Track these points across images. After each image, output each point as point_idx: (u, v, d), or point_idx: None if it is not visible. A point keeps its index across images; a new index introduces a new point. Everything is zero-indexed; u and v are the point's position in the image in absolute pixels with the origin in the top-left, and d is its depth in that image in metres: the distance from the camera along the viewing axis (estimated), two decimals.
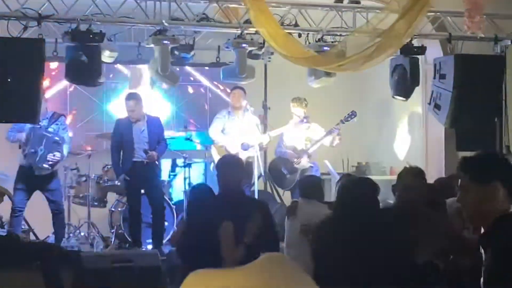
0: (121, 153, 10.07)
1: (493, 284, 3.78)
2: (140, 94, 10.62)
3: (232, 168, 7.16)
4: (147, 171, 9.97)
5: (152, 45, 9.05)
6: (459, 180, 4.28)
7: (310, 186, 8.25)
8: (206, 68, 12.20)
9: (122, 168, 9.89)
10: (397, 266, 5.13)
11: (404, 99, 10.15)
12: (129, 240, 9.96)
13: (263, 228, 6.83)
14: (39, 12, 8.45)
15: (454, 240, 6.09)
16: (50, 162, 9.69)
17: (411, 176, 6.78)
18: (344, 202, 5.86)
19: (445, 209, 6.60)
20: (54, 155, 9.70)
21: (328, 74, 9.68)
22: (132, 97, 10.29)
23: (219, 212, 7.12)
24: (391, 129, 11.76)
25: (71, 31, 8.64)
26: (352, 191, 5.92)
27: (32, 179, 9.74)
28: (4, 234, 9.04)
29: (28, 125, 9.49)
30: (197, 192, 7.76)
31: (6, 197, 9.24)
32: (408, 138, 11.55)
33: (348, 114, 10.82)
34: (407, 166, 7.46)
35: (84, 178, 10.39)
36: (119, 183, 10.16)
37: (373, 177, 11.30)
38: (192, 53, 9.64)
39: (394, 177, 10.00)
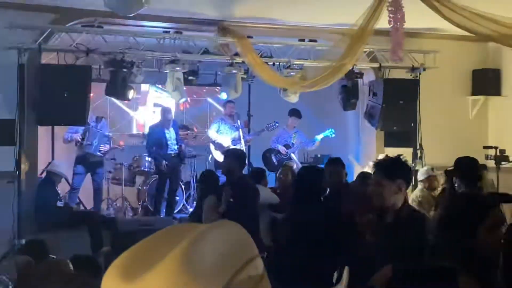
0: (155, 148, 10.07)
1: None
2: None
3: (234, 157, 7.06)
4: (175, 161, 10.03)
5: (168, 71, 9.08)
6: (373, 176, 4.38)
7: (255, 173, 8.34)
8: (206, 87, 12.21)
9: (161, 157, 9.90)
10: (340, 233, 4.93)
11: (351, 110, 10.16)
12: (151, 209, 9.94)
13: (237, 201, 6.60)
14: (87, 47, 8.49)
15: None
16: (102, 151, 9.81)
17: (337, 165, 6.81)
18: (298, 183, 5.85)
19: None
20: (104, 146, 9.85)
21: (294, 92, 9.67)
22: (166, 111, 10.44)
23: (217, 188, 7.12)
24: (337, 133, 11.80)
25: (110, 61, 8.65)
26: (303, 175, 5.92)
27: (87, 165, 9.75)
28: (62, 205, 9.09)
29: (81, 128, 9.52)
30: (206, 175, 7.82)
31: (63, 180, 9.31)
32: (349, 139, 11.55)
33: (271, 123, 10.67)
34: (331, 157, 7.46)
35: (119, 165, 10.37)
36: (153, 169, 10.21)
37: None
38: (197, 76, 9.63)
39: None
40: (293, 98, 9.92)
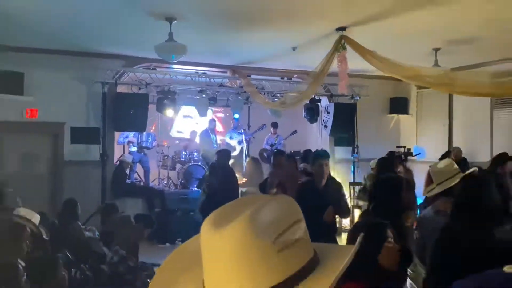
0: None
1: None
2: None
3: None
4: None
5: (197, 97, 9.11)
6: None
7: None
8: (222, 108, 12.17)
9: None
10: None
11: (314, 122, 10.14)
12: (186, 185, 9.74)
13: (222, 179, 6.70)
14: (146, 81, 8.57)
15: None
16: (150, 147, 9.86)
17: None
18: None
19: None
20: (153, 145, 9.90)
21: (278, 111, 9.71)
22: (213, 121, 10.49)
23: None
24: (305, 137, 11.78)
25: (160, 90, 8.71)
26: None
27: (142, 156, 9.81)
28: (129, 182, 9.14)
29: (132, 133, 9.54)
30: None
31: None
32: (313, 140, 11.56)
33: (260, 126, 10.45)
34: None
35: (165, 157, 10.22)
36: (187, 159, 10.01)
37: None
38: (215, 101, 9.61)
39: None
40: (278, 115, 9.95)
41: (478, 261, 1.79)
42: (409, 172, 6.09)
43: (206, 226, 0.85)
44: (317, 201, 4.29)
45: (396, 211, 2.68)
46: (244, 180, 7.58)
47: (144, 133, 9.77)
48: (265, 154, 10.56)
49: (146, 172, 9.87)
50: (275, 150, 7.64)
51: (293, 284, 0.82)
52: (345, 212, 4.78)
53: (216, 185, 6.80)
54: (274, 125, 10.65)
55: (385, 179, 3.21)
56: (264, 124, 10.50)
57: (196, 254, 0.90)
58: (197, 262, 0.89)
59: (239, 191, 7.72)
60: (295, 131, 10.51)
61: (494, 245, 2.21)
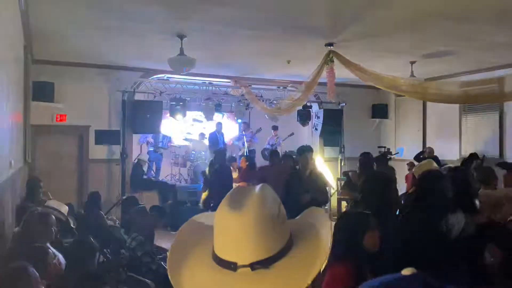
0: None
1: None
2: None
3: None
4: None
5: (204, 104, 9.10)
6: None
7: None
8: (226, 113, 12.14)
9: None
10: None
11: (306, 126, 10.04)
12: (195, 180, 9.71)
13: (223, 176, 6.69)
14: (160, 90, 8.57)
15: None
16: (166, 147, 9.82)
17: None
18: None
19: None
20: (168, 145, 9.90)
21: (275, 116, 9.69)
22: (219, 124, 10.33)
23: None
24: (298, 138, 11.79)
25: (172, 98, 8.65)
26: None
27: (157, 155, 9.79)
28: (146, 178, 9.11)
29: (148, 136, 9.51)
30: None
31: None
32: (305, 141, 11.52)
33: (258, 128, 10.44)
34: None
35: (177, 156, 10.23)
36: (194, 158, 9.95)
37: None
38: (220, 107, 9.57)
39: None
40: (275, 119, 9.91)
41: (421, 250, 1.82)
42: (391, 169, 6.09)
43: (223, 210, 0.92)
44: (302, 187, 4.42)
45: (384, 203, 2.65)
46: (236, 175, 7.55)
47: (161, 134, 9.74)
48: (266, 153, 10.47)
49: (157, 170, 9.85)
50: (272, 150, 7.65)
51: (285, 252, 0.91)
52: (324, 196, 4.85)
53: (214, 180, 6.78)
54: (275, 128, 10.64)
55: (375, 175, 3.25)
56: (260, 128, 10.47)
57: (197, 235, 1.01)
58: (200, 241, 0.98)
59: (233, 185, 7.71)
60: (292, 133, 10.51)
61: (442, 236, 2.22)
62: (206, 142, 10.80)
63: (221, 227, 0.92)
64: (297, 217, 1.07)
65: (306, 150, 4.92)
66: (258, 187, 0.97)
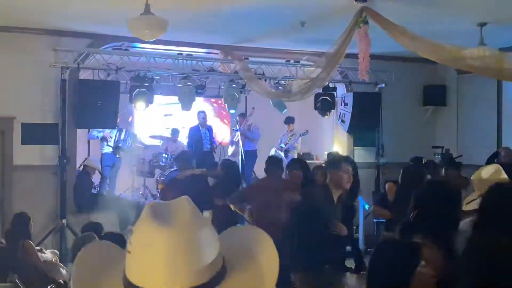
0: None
1: None
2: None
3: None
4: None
5: (181, 85, 9.04)
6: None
7: None
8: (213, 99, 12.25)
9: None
10: None
11: (327, 117, 10.04)
12: None
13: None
14: (117, 65, 8.57)
15: None
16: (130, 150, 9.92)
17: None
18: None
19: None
20: (132, 145, 10.01)
21: (282, 103, 9.70)
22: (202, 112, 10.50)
23: None
24: (317, 135, 11.78)
25: (134, 77, 8.66)
26: None
27: (115, 160, 9.81)
28: (96, 192, 9.14)
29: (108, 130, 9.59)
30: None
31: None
32: (326, 140, 11.60)
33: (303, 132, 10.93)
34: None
35: (142, 161, 10.30)
36: (168, 163, 10.07)
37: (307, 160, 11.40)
38: (204, 89, 9.62)
39: (318, 161, 10.18)
40: (282, 108, 9.90)
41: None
42: (463, 179, 6.02)
43: (149, 224, 1.06)
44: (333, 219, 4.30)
45: (448, 226, 2.68)
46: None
47: (124, 130, 9.78)
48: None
49: (112, 180, 9.91)
50: (271, 157, 7.41)
51: (219, 280, 1.06)
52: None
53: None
54: (290, 121, 10.79)
55: (440, 185, 3.19)
56: (307, 130, 10.70)
57: (101, 261, 1.17)
58: (109, 264, 1.14)
59: None
60: (306, 132, 10.64)
61: None
62: (185, 140, 10.79)
63: (143, 246, 1.02)
64: (224, 234, 1.22)
65: (343, 160, 4.64)
66: (183, 199, 1.13)
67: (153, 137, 11.06)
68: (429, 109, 10.79)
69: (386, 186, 6.41)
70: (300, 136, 10.79)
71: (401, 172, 5.64)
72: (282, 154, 10.67)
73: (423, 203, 2.84)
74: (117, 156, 9.80)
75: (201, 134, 10.28)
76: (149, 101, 8.76)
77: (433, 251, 2.19)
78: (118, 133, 9.80)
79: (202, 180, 6.64)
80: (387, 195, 6.17)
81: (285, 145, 10.77)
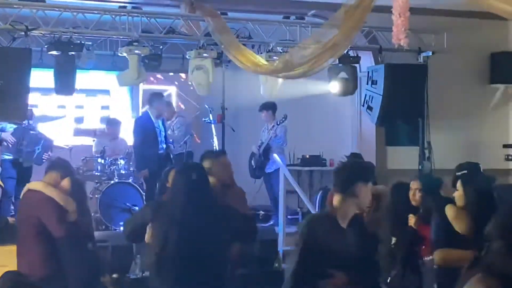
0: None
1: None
2: None
3: None
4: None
5: (125, 54, 8.96)
6: None
7: None
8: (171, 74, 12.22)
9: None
10: None
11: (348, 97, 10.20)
12: (105, 222, 9.81)
13: None
14: (26, 25, 8.43)
15: None
16: (44, 160, 9.81)
17: None
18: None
19: None
20: (49, 154, 9.94)
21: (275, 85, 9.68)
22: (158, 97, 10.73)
23: None
24: (332, 128, 11.81)
25: (55, 42, 8.59)
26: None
27: (23, 170, 9.80)
28: None
29: (13, 126, 9.55)
30: None
31: None
32: (345, 135, 11.62)
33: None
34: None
35: None
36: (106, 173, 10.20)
37: (315, 168, 11.46)
38: (160, 61, 9.60)
39: (331, 167, 10.16)
40: (273, 92, 9.86)
41: None
42: None
43: None
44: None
45: None
46: None
47: (32, 132, 9.78)
48: (252, 162, 11.02)
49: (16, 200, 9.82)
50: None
51: None
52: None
53: None
54: (266, 107, 11.02)
55: None
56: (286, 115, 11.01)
57: None
58: None
59: None
60: (285, 117, 10.92)
61: None
62: (127, 137, 10.82)
63: None
64: None
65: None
66: None
67: (79, 133, 11.01)
68: (499, 88, 10.88)
69: (448, 211, 6.07)
70: (279, 124, 10.90)
71: (463, 189, 5.42)
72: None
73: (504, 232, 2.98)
74: (23, 166, 9.77)
75: (153, 127, 10.27)
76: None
77: None
78: (25, 132, 9.80)
79: None
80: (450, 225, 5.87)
81: (259, 146, 11.09)
